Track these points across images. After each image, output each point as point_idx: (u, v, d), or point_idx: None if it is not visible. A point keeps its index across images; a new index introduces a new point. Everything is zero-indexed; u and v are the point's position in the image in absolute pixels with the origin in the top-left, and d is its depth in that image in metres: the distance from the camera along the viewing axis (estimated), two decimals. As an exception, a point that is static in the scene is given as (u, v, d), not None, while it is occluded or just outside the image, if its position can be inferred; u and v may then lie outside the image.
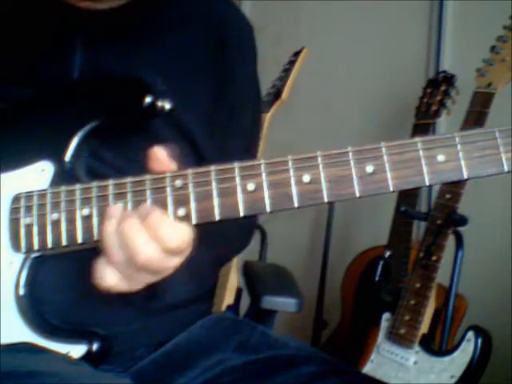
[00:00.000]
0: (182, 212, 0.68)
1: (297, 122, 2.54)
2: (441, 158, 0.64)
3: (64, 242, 0.71)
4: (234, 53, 0.93)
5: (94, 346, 0.72)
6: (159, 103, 0.77)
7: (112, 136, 0.80)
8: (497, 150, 0.63)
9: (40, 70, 0.85)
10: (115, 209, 0.68)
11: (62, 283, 0.79)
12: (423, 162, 0.64)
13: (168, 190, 0.68)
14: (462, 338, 1.63)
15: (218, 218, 0.68)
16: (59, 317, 0.75)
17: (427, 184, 0.65)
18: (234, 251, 1.05)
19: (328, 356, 0.86)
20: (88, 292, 0.70)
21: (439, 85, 1.93)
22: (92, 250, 0.70)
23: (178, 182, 0.68)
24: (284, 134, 2.37)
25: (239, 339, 0.87)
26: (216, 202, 0.67)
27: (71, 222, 0.71)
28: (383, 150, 0.65)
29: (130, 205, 0.69)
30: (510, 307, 1.94)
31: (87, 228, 0.71)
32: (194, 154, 0.90)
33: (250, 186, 0.67)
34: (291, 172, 0.66)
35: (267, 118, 1.95)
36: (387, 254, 1.93)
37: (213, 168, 0.68)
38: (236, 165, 0.68)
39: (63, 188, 0.73)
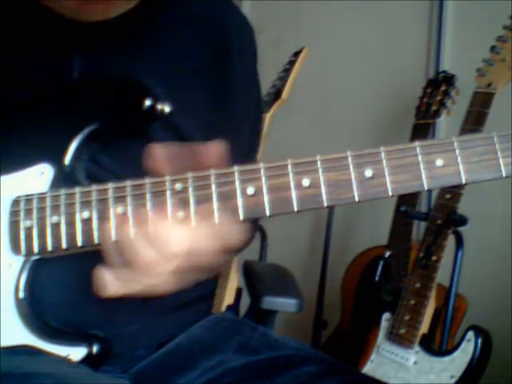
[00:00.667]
0: (181, 215, 0.68)
1: (297, 122, 2.54)
2: (439, 162, 0.64)
3: (64, 245, 0.71)
4: (234, 56, 0.92)
5: (94, 349, 0.72)
6: (159, 106, 0.77)
7: (111, 139, 0.80)
8: (495, 155, 0.63)
9: (39, 74, 0.85)
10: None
11: (61, 285, 0.79)
12: (422, 166, 0.65)
13: (168, 193, 0.69)
14: (462, 338, 1.63)
15: (217, 221, 0.67)
16: (59, 319, 0.75)
17: (426, 189, 0.65)
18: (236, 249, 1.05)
19: (328, 356, 0.86)
20: (88, 294, 0.70)
21: (439, 85, 1.93)
22: (92, 253, 0.71)
23: (178, 186, 0.68)
24: (284, 134, 2.38)
25: (240, 340, 0.87)
26: (216, 205, 0.67)
27: (71, 225, 0.71)
28: (382, 154, 0.65)
29: (129, 208, 0.69)
30: (510, 307, 1.93)
31: (87, 231, 0.71)
32: None
33: (250, 190, 0.67)
34: (291, 176, 0.67)
35: (267, 118, 1.95)
36: (387, 254, 1.93)
37: (212, 172, 0.68)
38: (236, 169, 0.68)
39: (63, 191, 0.73)
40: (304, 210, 0.67)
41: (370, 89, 2.41)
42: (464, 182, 0.64)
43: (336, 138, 2.41)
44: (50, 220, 0.72)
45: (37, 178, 0.76)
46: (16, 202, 0.74)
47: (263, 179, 0.67)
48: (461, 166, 0.64)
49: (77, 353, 0.72)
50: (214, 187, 0.68)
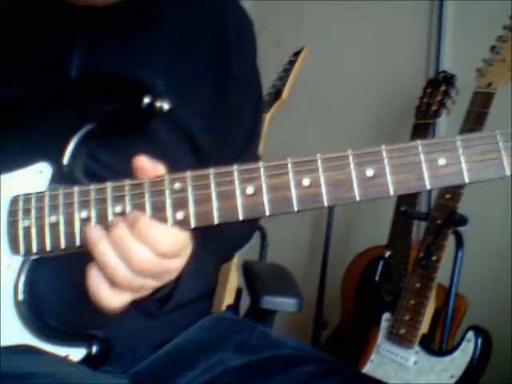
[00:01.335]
0: (180, 215, 0.67)
1: (297, 122, 2.54)
2: (442, 161, 0.63)
3: (63, 245, 0.71)
4: (234, 50, 0.92)
5: (94, 349, 0.71)
6: (158, 103, 0.76)
7: (110, 137, 0.79)
8: (498, 153, 0.62)
9: (38, 69, 0.85)
10: (94, 230, 0.67)
11: (61, 285, 0.79)
12: (424, 165, 0.63)
13: (167, 192, 0.68)
14: (462, 338, 1.63)
15: (216, 221, 0.67)
16: (58, 319, 0.74)
17: (428, 188, 0.64)
18: (236, 248, 1.05)
19: (327, 356, 0.86)
20: (87, 294, 0.69)
21: (439, 85, 1.93)
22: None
23: (177, 185, 0.68)
24: (284, 134, 2.38)
25: (239, 339, 0.87)
26: (215, 205, 0.67)
27: (70, 224, 0.70)
28: (384, 153, 0.64)
29: (128, 208, 0.69)
30: (510, 307, 1.93)
31: None
32: (194, 153, 0.89)
33: (249, 190, 0.66)
34: (291, 175, 0.65)
35: (267, 118, 1.96)
36: (387, 254, 1.93)
37: (212, 171, 0.68)
38: (235, 168, 0.67)
39: (61, 190, 0.72)
40: (304, 209, 0.66)
41: (370, 89, 2.41)
42: (467, 181, 0.63)
43: (336, 138, 2.41)
44: (49, 219, 0.71)
45: (35, 176, 0.75)
46: (14, 201, 0.74)
47: (263, 178, 0.66)
48: (464, 165, 0.63)
49: (76, 353, 0.71)
50: (213, 186, 0.67)
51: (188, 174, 0.68)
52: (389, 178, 0.64)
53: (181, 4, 0.91)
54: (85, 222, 0.70)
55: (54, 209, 0.71)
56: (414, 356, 1.68)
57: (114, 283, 0.67)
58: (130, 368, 0.85)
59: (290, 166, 0.66)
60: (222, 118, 0.91)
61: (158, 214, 0.68)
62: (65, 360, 0.71)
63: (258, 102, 1.01)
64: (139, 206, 0.68)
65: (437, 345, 1.73)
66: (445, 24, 2.24)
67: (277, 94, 1.98)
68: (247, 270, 1.45)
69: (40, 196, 0.73)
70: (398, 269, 1.91)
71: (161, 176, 0.69)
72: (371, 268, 1.96)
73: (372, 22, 2.43)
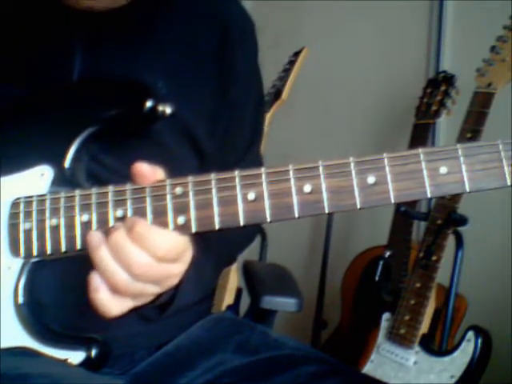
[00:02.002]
0: (181, 220, 0.67)
1: (297, 121, 2.54)
2: (443, 170, 0.63)
3: (63, 248, 0.71)
4: (236, 50, 0.92)
5: (93, 353, 0.71)
6: (160, 108, 0.76)
7: (112, 140, 0.79)
8: (500, 163, 0.62)
9: (40, 71, 0.85)
10: (94, 234, 0.68)
11: (61, 288, 0.79)
12: (425, 173, 0.63)
13: (168, 197, 0.68)
14: (462, 338, 1.63)
15: (217, 226, 0.67)
16: (58, 322, 0.74)
17: (429, 196, 0.64)
18: (236, 252, 1.05)
19: (328, 356, 0.86)
20: (86, 296, 0.69)
21: (439, 85, 1.93)
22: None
23: (178, 190, 0.68)
24: (284, 134, 2.38)
25: (239, 340, 0.87)
26: (216, 210, 0.67)
27: (70, 227, 0.71)
28: (385, 161, 0.64)
29: (129, 212, 0.69)
30: (510, 307, 1.93)
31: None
32: (196, 155, 0.89)
33: (251, 196, 0.66)
34: (292, 182, 0.66)
35: (267, 118, 1.95)
36: (387, 254, 1.93)
37: (213, 176, 0.68)
38: (237, 173, 0.67)
39: (62, 194, 0.72)
40: (305, 216, 0.66)
41: (370, 89, 2.41)
42: (468, 190, 0.63)
43: (336, 138, 2.42)
44: (50, 222, 0.71)
45: (37, 179, 0.75)
46: (16, 204, 0.74)
47: (264, 184, 0.66)
48: (465, 174, 0.63)
49: (75, 356, 0.71)
50: (214, 192, 0.67)
51: (189, 178, 0.68)
52: (390, 185, 0.64)
53: (182, 5, 0.91)
54: (86, 225, 0.70)
55: (55, 212, 0.72)
56: (413, 356, 1.68)
57: (113, 289, 0.66)
58: (128, 370, 0.85)
59: (291, 172, 0.66)
60: (224, 118, 0.91)
61: (159, 218, 0.68)
62: (63, 362, 0.71)
63: (259, 102, 1.01)
64: (140, 211, 0.68)
65: (437, 345, 1.73)
66: (445, 24, 2.24)
67: (277, 94, 1.98)
68: (247, 269, 1.45)
69: (41, 199, 0.73)
70: (398, 269, 1.91)
71: (162, 181, 0.69)
72: (371, 268, 1.96)
73: (372, 22, 2.43)
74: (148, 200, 0.68)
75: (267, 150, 1.90)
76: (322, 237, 2.32)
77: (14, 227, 0.73)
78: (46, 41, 0.86)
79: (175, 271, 0.69)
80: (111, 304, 0.67)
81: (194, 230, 0.67)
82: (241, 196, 0.66)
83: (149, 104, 0.76)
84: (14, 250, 0.73)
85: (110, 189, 0.70)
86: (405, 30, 2.37)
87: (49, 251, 0.71)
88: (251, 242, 1.04)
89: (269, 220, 0.67)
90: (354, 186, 0.64)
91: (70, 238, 0.70)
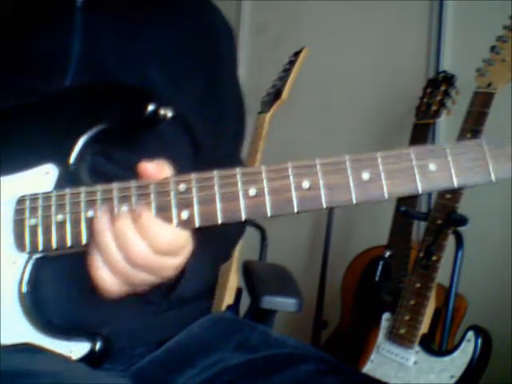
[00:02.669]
0: (185, 215, 0.70)
1: (297, 122, 2.55)
2: (432, 167, 0.67)
3: (69, 243, 0.72)
4: (224, 43, 0.99)
5: (98, 345, 0.73)
6: (162, 111, 0.78)
7: (115, 140, 0.81)
8: (484, 160, 0.66)
9: (38, 61, 0.86)
10: (102, 216, 0.70)
11: (64, 282, 0.79)
12: (416, 171, 0.67)
13: (172, 193, 0.70)
14: (462, 338, 1.63)
15: (220, 221, 0.69)
16: (62, 315, 0.75)
17: (420, 192, 0.68)
18: (232, 244, 1.05)
19: (327, 355, 0.86)
20: (89, 291, 0.71)
21: (439, 85, 1.93)
22: None
23: (182, 187, 0.70)
24: (284, 134, 2.38)
25: (239, 339, 0.87)
26: (218, 206, 0.69)
27: (76, 223, 0.72)
28: (379, 159, 0.68)
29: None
30: (510, 307, 1.93)
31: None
32: (191, 142, 0.92)
33: (252, 192, 0.69)
34: (291, 178, 0.69)
35: (267, 118, 1.96)
36: (387, 254, 1.93)
37: (215, 173, 0.70)
38: (238, 171, 0.70)
39: (68, 190, 0.74)
40: (304, 211, 0.69)
41: (370, 89, 2.42)
42: (456, 185, 0.67)
43: (336, 138, 2.42)
44: (55, 218, 0.73)
45: (41, 177, 0.76)
46: (21, 201, 0.75)
47: (265, 181, 0.69)
48: (452, 171, 0.67)
49: (80, 349, 0.73)
50: (216, 188, 0.69)
51: (193, 175, 0.70)
52: (384, 182, 0.67)
53: (169, 2, 0.96)
54: (91, 221, 0.71)
55: (60, 208, 0.73)
56: (413, 356, 1.68)
57: (113, 271, 0.69)
58: (128, 366, 0.86)
59: (290, 169, 0.69)
60: (213, 107, 0.95)
61: (163, 214, 0.70)
62: (67, 359, 0.72)
63: (241, 106, 1.04)
64: (145, 207, 0.70)
65: (437, 345, 1.73)
66: (445, 24, 2.25)
67: (277, 94, 1.98)
68: (247, 269, 1.45)
69: (47, 196, 0.74)
70: (398, 269, 1.91)
71: (166, 178, 0.71)
72: (371, 268, 1.96)
73: (372, 22, 2.44)
74: (152, 196, 0.70)
75: (267, 149, 1.90)
76: (322, 237, 2.32)
77: (19, 223, 0.74)
78: (45, 27, 0.87)
79: (172, 264, 0.71)
80: (111, 283, 0.70)
81: (197, 224, 0.70)
82: (242, 192, 0.69)
83: (151, 108, 0.77)
84: (20, 245, 0.74)
85: (115, 186, 0.72)
86: (405, 30, 2.37)
87: (54, 246, 0.73)
88: (243, 233, 1.06)
89: (269, 215, 0.69)
90: (350, 182, 0.68)
91: (76, 234, 0.72)
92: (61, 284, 0.79)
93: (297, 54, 2.02)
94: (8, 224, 0.74)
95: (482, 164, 0.66)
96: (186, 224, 0.69)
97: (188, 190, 0.70)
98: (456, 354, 1.63)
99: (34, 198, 0.75)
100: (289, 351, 0.85)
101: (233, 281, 1.92)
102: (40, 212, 0.74)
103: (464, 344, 1.62)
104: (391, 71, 2.38)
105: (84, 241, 0.72)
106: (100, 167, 0.81)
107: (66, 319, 0.75)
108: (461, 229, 1.70)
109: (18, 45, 0.86)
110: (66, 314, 0.76)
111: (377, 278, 1.90)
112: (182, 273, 0.76)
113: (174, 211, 0.70)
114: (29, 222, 0.74)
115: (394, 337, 1.72)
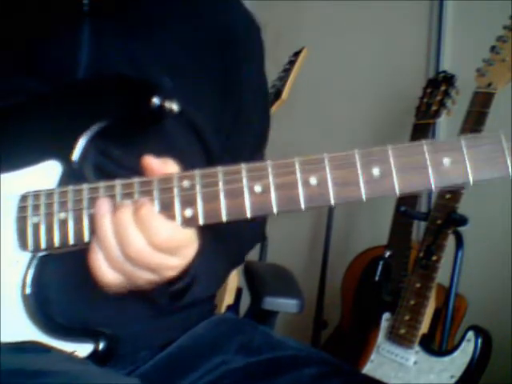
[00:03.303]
0: (189, 212, 0.68)
1: (297, 122, 2.54)
2: (446, 161, 0.64)
3: (71, 241, 0.71)
4: (241, 51, 0.93)
5: (101, 345, 0.72)
6: (167, 105, 0.76)
7: (120, 136, 0.80)
8: (502, 153, 0.63)
9: (46, 63, 0.85)
10: (104, 201, 0.69)
11: (67, 283, 0.79)
12: (429, 165, 0.64)
13: (175, 190, 0.69)
14: (462, 338, 1.63)
15: (224, 218, 0.68)
16: (65, 316, 0.75)
17: (433, 187, 0.64)
18: (246, 249, 1.05)
19: (330, 357, 0.86)
20: (93, 291, 0.71)
21: (439, 85, 1.93)
22: None
23: (186, 183, 0.68)
24: (284, 134, 2.37)
25: (241, 340, 0.87)
26: (223, 203, 0.67)
27: (78, 221, 0.71)
28: (389, 153, 0.65)
29: None
30: (510, 307, 1.94)
31: None
32: (204, 151, 0.90)
33: (257, 188, 0.67)
34: (298, 174, 0.66)
35: (267, 118, 1.95)
36: (387, 254, 1.93)
37: (220, 169, 0.68)
38: (243, 166, 0.68)
39: (70, 188, 0.73)
40: (311, 208, 0.67)
41: (370, 89, 2.42)
42: (471, 180, 0.64)
43: (336, 138, 2.42)
44: (58, 216, 0.72)
45: (45, 174, 0.75)
46: (24, 198, 0.74)
47: (270, 177, 0.67)
48: (468, 165, 0.63)
49: (83, 349, 0.72)
50: (221, 185, 0.68)
51: (196, 172, 0.69)
52: (395, 177, 0.64)
53: (188, 4, 0.92)
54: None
55: (63, 205, 0.72)
56: (414, 356, 1.68)
57: (107, 260, 0.68)
58: (132, 369, 0.85)
59: (297, 164, 0.67)
60: (228, 118, 0.92)
61: (167, 211, 0.68)
62: (75, 358, 0.72)
63: (266, 105, 1.01)
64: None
65: (437, 345, 1.73)
66: (445, 24, 2.24)
67: (277, 94, 1.98)
68: (248, 270, 1.45)
69: (49, 193, 0.73)
70: (398, 269, 1.91)
71: (169, 174, 0.69)
72: (371, 268, 1.96)
73: (372, 22, 2.43)
74: (155, 193, 0.69)
75: (267, 149, 1.89)
76: (322, 237, 2.32)
77: (22, 221, 0.73)
78: (53, 34, 0.86)
79: (172, 264, 0.70)
80: (107, 272, 0.69)
81: (201, 222, 0.68)
82: (247, 188, 0.67)
83: (155, 101, 0.76)
84: (22, 243, 0.73)
85: (118, 182, 0.71)
86: (405, 30, 2.37)
87: (57, 244, 0.72)
88: (259, 242, 1.04)
89: (275, 212, 0.67)
90: (359, 178, 0.65)
91: (78, 231, 0.71)
92: (64, 284, 0.79)
93: (296, 53, 2.02)
94: (11, 222, 0.74)
95: (499, 157, 0.63)
96: (189, 222, 0.68)
97: (192, 187, 0.68)
98: (456, 354, 1.63)
99: (36, 194, 0.74)
100: (291, 353, 0.85)
101: (233, 281, 1.92)
102: (42, 209, 0.73)
103: (464, 344, 1.62)
104: (391, 71, 2.38)
105: (86, 239, 0.71)
106: (104, 167, 0.80)
107: (69, 319, 0.75)
108: (461, 229, 1.70)
109: (26, 50, 0.85)
110: (69, 314, 0.76)
111: (377, 278, 1.90)
112: (194, 275, 0.75)
113: (178, 208, 0.68)
114: (31, 219, 0.73)
115: (394, 337, 1.72)
